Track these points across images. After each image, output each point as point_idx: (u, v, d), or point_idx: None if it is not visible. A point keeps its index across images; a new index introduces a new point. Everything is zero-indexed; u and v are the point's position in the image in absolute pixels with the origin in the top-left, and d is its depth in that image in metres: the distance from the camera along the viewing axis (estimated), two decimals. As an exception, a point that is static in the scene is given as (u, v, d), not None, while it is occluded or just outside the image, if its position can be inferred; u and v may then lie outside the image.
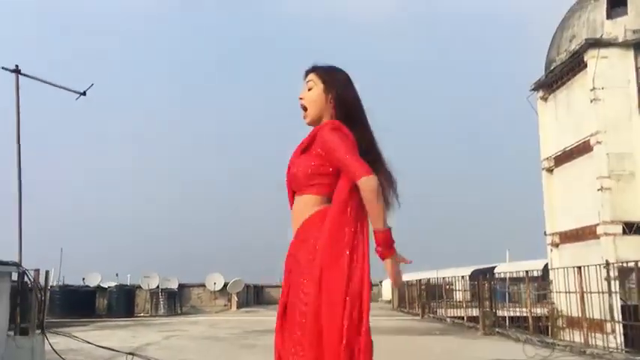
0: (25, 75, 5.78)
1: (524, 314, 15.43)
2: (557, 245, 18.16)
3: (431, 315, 15.66)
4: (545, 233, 18.82)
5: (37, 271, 5.58)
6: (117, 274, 22.46)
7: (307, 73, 2.30)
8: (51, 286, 20.13)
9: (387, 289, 27.84)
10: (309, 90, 2.25)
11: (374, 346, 2.02)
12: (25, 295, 5.60)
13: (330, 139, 2.10)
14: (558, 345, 7.91)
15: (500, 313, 13.09)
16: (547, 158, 17.82)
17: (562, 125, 17.12)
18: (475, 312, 12.83)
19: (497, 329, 10.43)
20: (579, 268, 9.02)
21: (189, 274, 22.91)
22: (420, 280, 30.35)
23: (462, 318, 14.28)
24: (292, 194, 2.25)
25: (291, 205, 2.25)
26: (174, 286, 20.60)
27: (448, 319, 13.87)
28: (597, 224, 14.15)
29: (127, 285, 21.17)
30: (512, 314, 15.64)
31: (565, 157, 16.92)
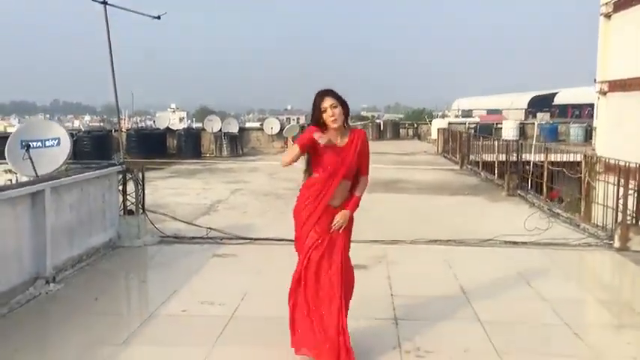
0: (111, 5, 6.88)
1: (571, 159, 16.22)
2: (605, 93, 18.59)
3: (469, 166, 17.07)
4: (595, 80, 19.14)
5: (137, 169, 7.25)
6: (183, 117, 24.56)
7: (329, 94, 3.70)
8: (127, 129, 22.55)
9: (435, 130, 29.12)
10: (336, 108, 3.66)
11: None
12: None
13: (366, 150, 3.79)
14: (562, 216, 9.29)
15: (537, 158, 13.58)
16: (606, 3, 17.47)
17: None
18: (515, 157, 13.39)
19: (519, 191, 11.81)
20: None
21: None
22: (466, 124, 31.02)
23: (494, 166, 14.68)
24: (338, 173, 3.69)
25: (334, 178, 3.70)
26: (234, 129, 22.59)
27: (482, 174, 15.25)
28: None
29: (193, 128, 23.38)
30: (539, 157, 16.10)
31: (626, 1, 16.57)
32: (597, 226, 8.32)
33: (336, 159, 3.65)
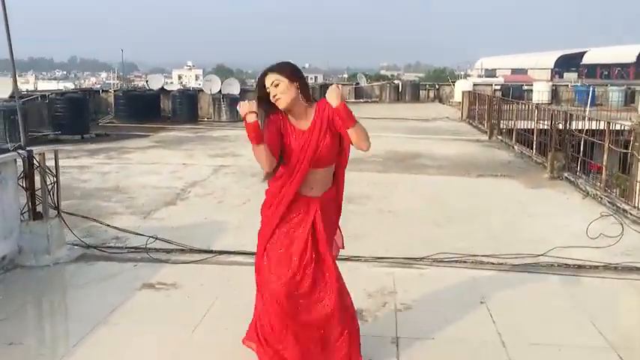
0: None
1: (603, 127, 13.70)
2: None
3: (499, 137, 14.68)
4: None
5: (42, 154, 5.14)
6: (179, 77, 22.36)
7: (270, 70, 3.04)
8: (115, 90, 20.45)
9: (458, 92, 26.49)
10: (277, 86, 2.98)
11: None
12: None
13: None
14: (630, 215, 7.05)
15: (579, 125, 11.18)
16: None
17: None
18: (548, 124, 11.09)
19: (566, 174, 9.53)
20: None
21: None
22: (492, 85, 28.44)
23: (529, 137, 12.30)
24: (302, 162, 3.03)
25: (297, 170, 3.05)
26: (235, 91, 20.31)
27: (516, 147, 12.92)
28: None
29: (189, 89, 21.16)
30: (589, 126, 13.39)
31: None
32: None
33: (300, 144, 3.04)
